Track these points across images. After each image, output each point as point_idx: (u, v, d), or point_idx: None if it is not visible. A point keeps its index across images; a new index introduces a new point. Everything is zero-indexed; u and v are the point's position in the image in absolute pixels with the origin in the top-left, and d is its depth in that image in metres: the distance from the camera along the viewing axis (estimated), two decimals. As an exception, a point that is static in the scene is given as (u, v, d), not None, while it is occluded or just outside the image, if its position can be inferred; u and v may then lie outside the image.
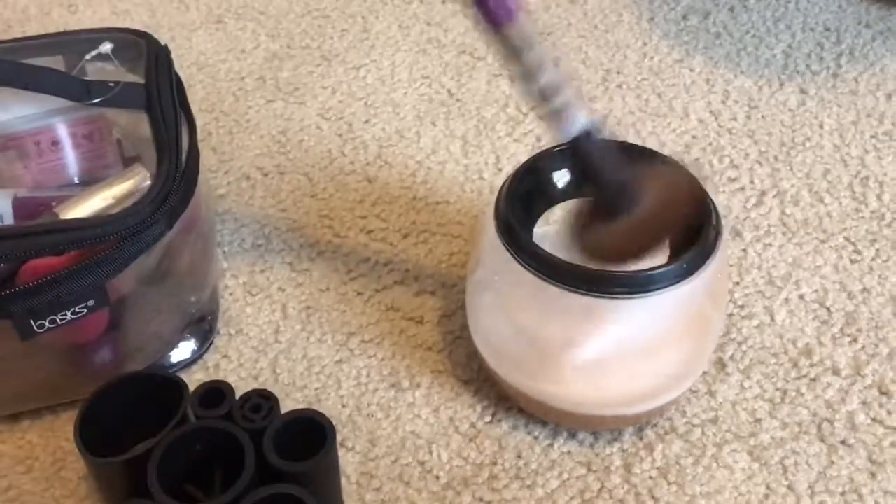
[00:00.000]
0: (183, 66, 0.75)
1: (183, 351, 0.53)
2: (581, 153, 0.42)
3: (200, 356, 0.53)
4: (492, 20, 0.39)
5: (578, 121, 0.41)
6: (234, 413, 0.42)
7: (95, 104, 0.50)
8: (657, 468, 0.48)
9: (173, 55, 0.55)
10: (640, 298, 0.42)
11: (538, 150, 0.50)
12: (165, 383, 0.44)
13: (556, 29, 0.79)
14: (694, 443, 0.49)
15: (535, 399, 0.48)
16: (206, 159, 0.66)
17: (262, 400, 0.42)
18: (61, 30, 0.76)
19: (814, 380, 0.52)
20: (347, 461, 0.48)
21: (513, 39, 0.39)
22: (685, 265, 0.42)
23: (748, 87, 0.73)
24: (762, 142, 0.68)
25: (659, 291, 0.42)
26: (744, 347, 0.54)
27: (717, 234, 0.44)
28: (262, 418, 0.41)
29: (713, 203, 0.45)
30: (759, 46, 0.77)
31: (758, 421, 0.50)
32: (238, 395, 0.43)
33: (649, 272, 0.42)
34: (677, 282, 0.42)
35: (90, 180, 0.52)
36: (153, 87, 0.51)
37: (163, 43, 0.55)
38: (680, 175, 0.45)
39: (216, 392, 0.43)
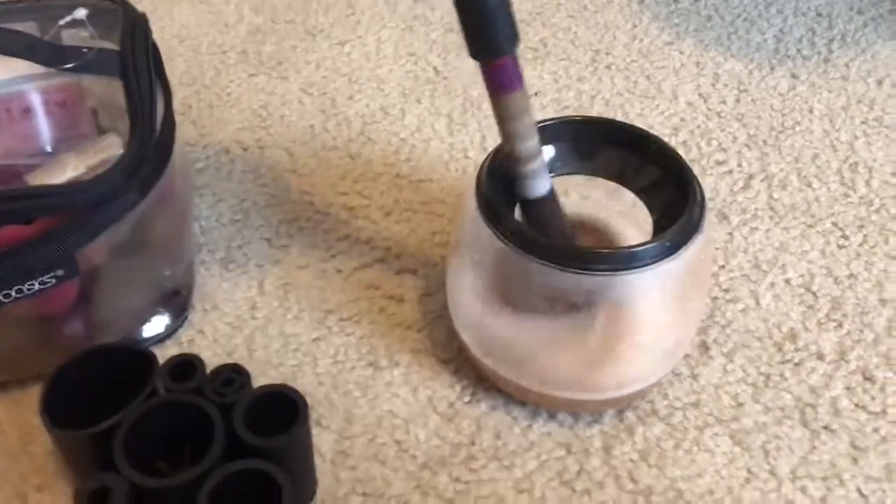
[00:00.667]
0: (164, 39, 0.73)
1: (156, 325, 0.51)
2: (538, 212, 0.45)
3: (174, 331, 0.52)
4: (501, 85, 0.40)
5: (544, 185, 0.44)
6: (204, 387, 0.41)
7: (68, 69, 0.49)
8: (638, 451, 0.47)
9: (154, 28, 0.53)
10: (623, 275, 0.41)
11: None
12: (135, 356, 0.43)
13: (546, 9, 0.78)
14: (675, 426, 0.48)
15: (514, 381, 0.47)
16: (186, 133, 0.65)
17: (234, 374, 0.41)
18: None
19: (798, 364, 0.52)
20: (323, 440, 0.47)
21: (514, 104, 0.41)
22: (668, 242, 0.41)
23: (738, 70, 0.72)
24: (751, 126, 0.67)
25: (641, 269, 0.41)
26: (728, 331, 0.53)
27: (702, 211, 0.43)
28: (233, 392, 0.40)
29: (697, 182, 0.44)
30: (750, 30, 0.76)
31: (740, 405, 0.50)
32: (211, 370, 0.42)
33: (632, 249, 0.41)
34: (660, 259, 0.41)
35: (63, 149, 0.51)
36: (128, 54, 0.49)
37: (143, 13, 0.53)
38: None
39: (186, 365, 0.41)
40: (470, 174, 0.63)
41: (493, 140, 0.65)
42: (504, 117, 0.41)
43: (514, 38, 0.39)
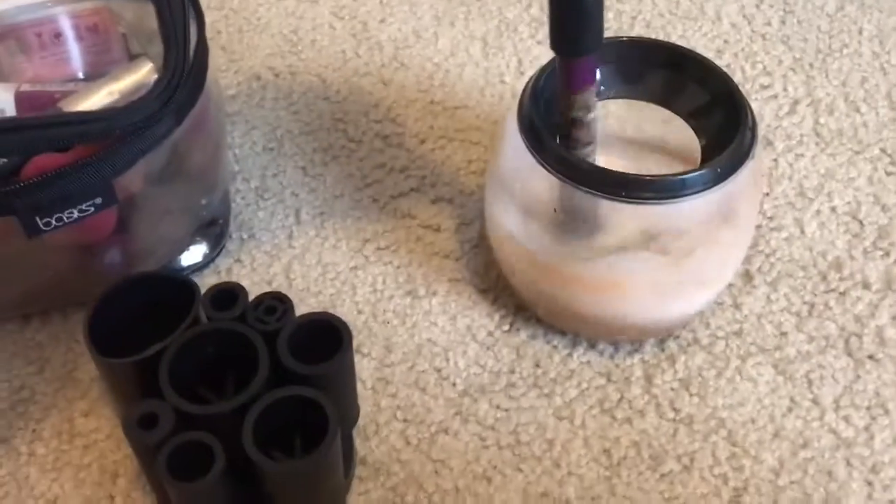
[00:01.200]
0: (190, -39, 0.71)
1: (194, 254, 0.51)
2: None
3: (212, 260, 0.52)
4: (578, 82, 0.40)
5: None
6: (247, 315, 0.40)
7: (99, -8, 0.48)
8: (679, 380, 0.47)
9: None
10: (670, 204, 0.40)
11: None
12: (177, 285, 0.42)
13: (583, -74, 0.75)
14: (717, 355, 0.48)
15: (556, 306, 0.47)
16: (215, 59, 0.64)
17: (277, 302, 0.41)
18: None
19: (843, 294, 0.51)
20: (363, 367, 0.47)
21: (583, 99, 0.41)
22: (718, 169, 0.40)
23: (784, -10, 0.69)
24: (797, 48, 0.65)
25: (690, 196, 0.40)
26: (772, 260, 0.52)
27: (753, 137, 0.42)
28: (276, 320, 0.40)
29: (748, 105, 0.43)
30: (796, -53, 0.73)
31: (783, 334, 0.49)
32: (251, 298, 0.42)
33: (681, 176, 0.40)
34: (709, 187, 0.40)
35: (95, 75, 0.50)
36: (159, -25, 0.48)
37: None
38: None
39: (229, 294, 0.41)
40: (507, 100, 0.61)
41: (530, 64, 0.64)
42: (571, 108, 0.41)
43: (600, 39, 0.39)
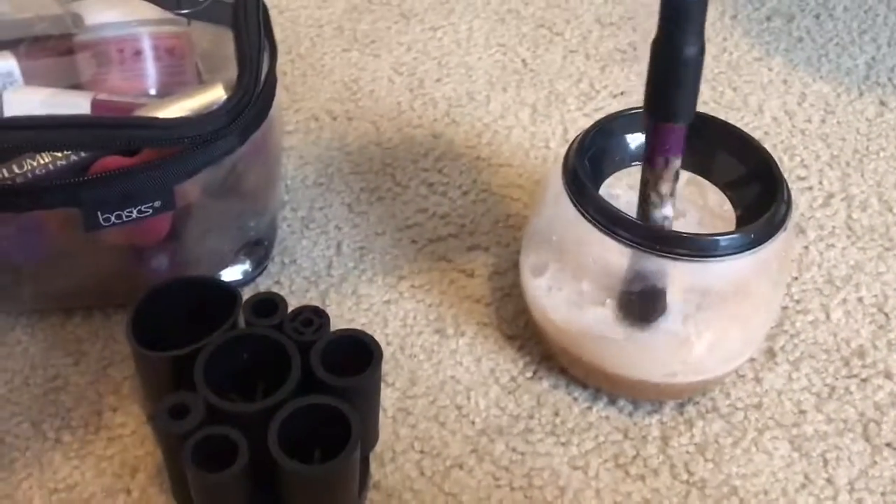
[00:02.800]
0: (264, 8, 0.75)
1: (236, 271, 0.53)
2: None
3: (253, 279, 0.54)
4: (666, 148, 0.42)
5: None
6: (284, 325, 0.42)
7: (183, 15, 0.51)
8: (695, 444, 0.48)
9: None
10: (703, 263, 0.42)
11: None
12: (220, 292, 0.44)
13: (638, 14, 0.78)
14: (735, 424, 0.49)
15: (581, 359, 0.47)
16: (279, 96, 0.67)
17: (314, 315, 0.42)
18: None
19: (864, 380, 0.51)
20: (386, 395, 0.48)
21: (664, 172, 0.42)
22: (752, 235, 0.42)
23: (826, 92, 0.72)
24: (835, 146, 0.67)
25: (723, 258, 0.41)
26: (795, 340, 0.53)
27: (788, 210, 0.43)
28: (312, 332, 0.42)
29: (784, 180, 0.45)
30: (841, 55, 0.76)
31: (802, 412, 0.49)
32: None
33: (716, 236, 0.41)
34: (742, 251, 0.42)
35: (166, 94, 0.53)
36: (241, 6, 0.51)
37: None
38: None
39: (269, 303, 0.43)
40: (550, 163, 0.64)
41: (575, 132, 0.66)
42: (654, 180, 0.42)
43: (693, 112, 0.41)
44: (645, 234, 0.42)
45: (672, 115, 0.41)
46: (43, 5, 0.55)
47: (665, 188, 0.43)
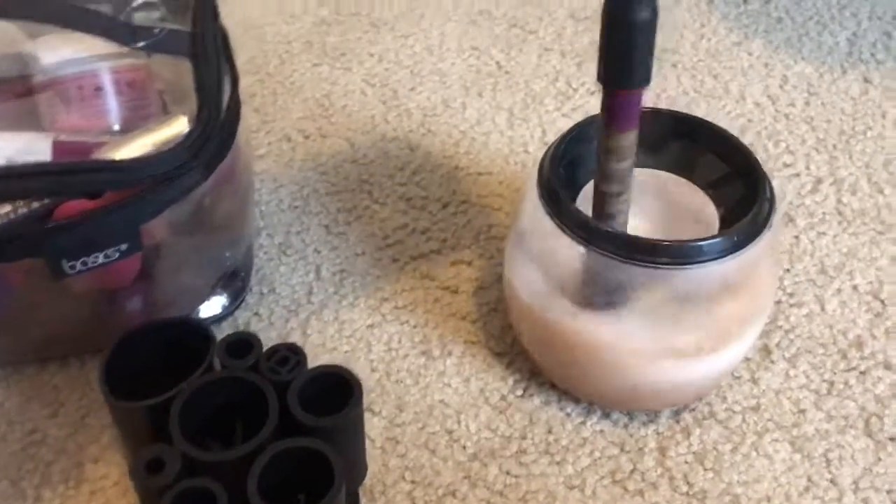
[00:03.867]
0: (230, 27, 0.73)
1: (214, 306, 0.52)
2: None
3: (231, 312, 0.52)
4: (623, 118, 0.40)
5: (621, 225, 0.44)
6: (260, 364, 0.41)
7: (140, 48, 0.50)
8: (693, 453, 0.46)
9: (221, 16, 0.54)
10: (687, 269, 0.40)
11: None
12: (193, 332, 0.43)
13: (611, 6, 0.77)
14: (733, 429, 0.47)
15: (569, 372, 0.46)
16: (249, 120, 0.66)
17: (290, 353, 0.41)
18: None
19: (864, 373, 0.50)
20: (373, 425, 0.47)
21: (621, 143, 0.41)
22: (735, 237, 0.40)
23: (808, 73, 0.70)
24: (820, 129, 0.65)
25: (706, 263, 0.40)
26: (791, 336, 0.52)
27: (771, 208, 0.42)
28: (288, 371, 0.40)
29: (767, 178, 0.43)
30: (821, 33, 0.74)
31: (802, 412, 0.48)
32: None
33: (697, 242, 0.40)
34: (726, 254, 0.40)
35: (131, 129, 0.52)
36: (198, 35, 0.50)
37: None
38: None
39: (243, 343, 0.42)
40: (529, 168, 0.62)
41: (554, 135, 0.65)
42: (611, 151, 0.41)
43: (648, 77, 0.39)
44: (625, 243, 0.40)
45: (629, 80, 0.39)
46: (1, 42, 0.54)
47: (622, 164, 0.41)
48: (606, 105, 0.40)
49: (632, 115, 0.40)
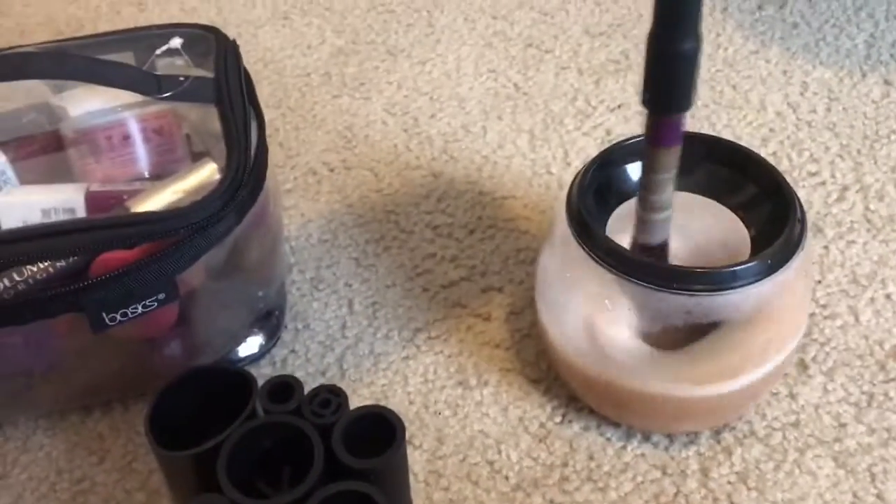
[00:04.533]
0: (249, 63, 0.74)
1: (251, 346, 0.53)
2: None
3: (268, 351, 0.53)
4: (666, 139, 0.41)
5: (662, 236, 0.44)
6: (302, 408, 0.41)
7: (166, 98, 0.50)
8: (736, 473, 0.46)
9: (241, 53, 0.55)
10: (721, 296, 0.40)
11: (609, 144, 0.49)
12: (234, 378, 0.44)
13: (626, 21, 0.77)
14: (774, 447, 0.47)
15: (608, 396, 0.46)
16: (273, 155, 0.66)
17: (331, 395, 0.41)
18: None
19: (903, 383, 0.50)
20: (415, 459, 0.47)
21: (669, 158, 0.41)
22: (769, 261, 0.40)
23: (828, 78, 0.70)
24: (843, 135, 0.65)
25: (741, 288, 0.40)
26: (827, 349, 0.52)
27: (803, 228, 0.42)
28: (331, 413, 0.41)
29: (797, 197, 0.43)
30: (839, 36, 0.74)
31: (843, 426, 0.48)
32: (306, 389, 0.43)
33: (732, 268, 0.40)
34: (760, 279, 0.40)
35: (160, 174, 0.53)
36: (223, 81, 0.50)
37: (234, 40, 0.55)
38: None
39: (285, 386, 0.42)
40: (553, 189, 0.63)
41: (576, 155, 0.65)
42: (654, 168, 0.42)
43: (691, 99, 0.40)
44: (659, 273, 0.41)
45: (676, 106, 0.40)
46: (29, 95, 0.55)
47: (666, 183, 0.42)
48: (651, 128, 0.41)
49: (675, 135, 0.41)
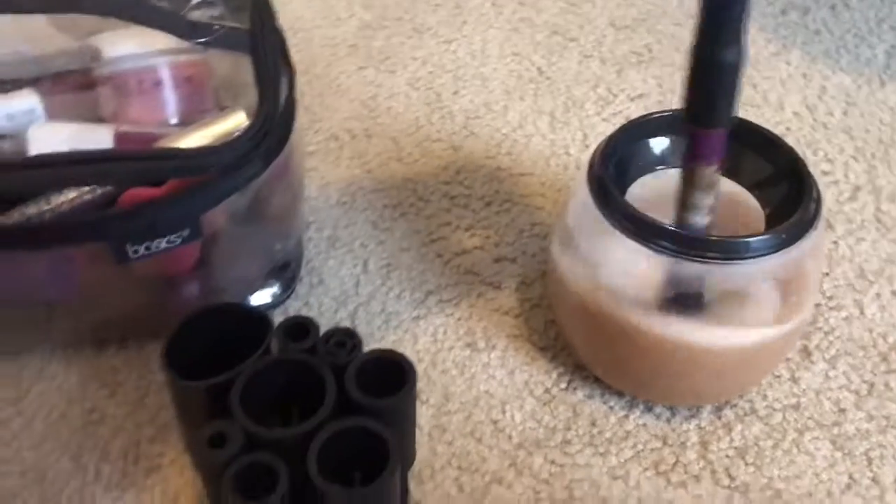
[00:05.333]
0: (278, 30, 0.76)
1: (265, 295, 0.53)
2: None
3: (282, 302, 0.54)
4: (706, 154, 0.41)
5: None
6: (318, 347, 0.42)
7: (200, 44, 0.51)
8: (735, 448, 0.47)
9: (274, 18, 0.56)
10: (733, 265, 0.41)
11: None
12: (252, 317, 0.44)
13: (652, 15, 0.78)
14: (774, 426, 0.48)
15: (613, 365, 0.47)
16: (299, 117, 0.67)
17: (346, 337, 0.42)
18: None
19: (904, 375, 0.50)
20: (421, 413, 0.48)
21: (709, 176, 0.41)
22: (783, 235, 0.41)
23: (846, 84, 0.71)
24: (859, 138, 0.66)
25: (753, 260, 0.41)
26: (830, 338, 0.52)
27: (818, 208, 0.43)
28: (345, 354, 0.42)
29: (813, 178, 0.44)
30: (859, 45, 0.75)
31: (842, 411, 0.49)
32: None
33: (746, 238, 0.41)
34: (773, 251, 0.41)
35: (186, 122, 0.53)
36: (258, 31, 0.51)
37: (267, -2, 0.56)
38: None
39: (301, 326, 0.43)
40: (571, 170, 0.64)
41: (595, 138, 0.66)
42: (694, 185, 0.42)
43: (731, 117, 0.40)
44: (675, 238, 0.41)
45: (713, 120, 0.40)
46: (62, 40, 0.56)
47: (706, 195, 0.42)
48: (690, 141, 0.41)
49: (716, 151, 0.41)
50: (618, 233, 0.43)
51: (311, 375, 0.41)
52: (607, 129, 0.66)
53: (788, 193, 0.45)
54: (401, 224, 0.59)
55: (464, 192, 0.62)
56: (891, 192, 0.62)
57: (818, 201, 0.43)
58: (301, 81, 0.70)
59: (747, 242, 0.41)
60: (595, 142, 0.66)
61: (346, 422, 0.39)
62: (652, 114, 0.48)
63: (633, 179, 0.48)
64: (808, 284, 0.46)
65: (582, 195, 0.45)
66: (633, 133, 0.47)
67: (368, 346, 0.51)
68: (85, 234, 0.44)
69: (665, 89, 0.70)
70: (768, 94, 0.70)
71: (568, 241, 0.48)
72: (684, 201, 0.43)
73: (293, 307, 0.54)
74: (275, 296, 0.54)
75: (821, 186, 0.61)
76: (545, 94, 0.70)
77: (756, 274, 0.42)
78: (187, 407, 0.44)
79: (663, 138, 0.47)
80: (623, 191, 0.47)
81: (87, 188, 0.46)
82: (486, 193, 0.62)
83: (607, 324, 0.45)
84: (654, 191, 0.47)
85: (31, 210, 0.45)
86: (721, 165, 0.42)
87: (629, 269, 0.44)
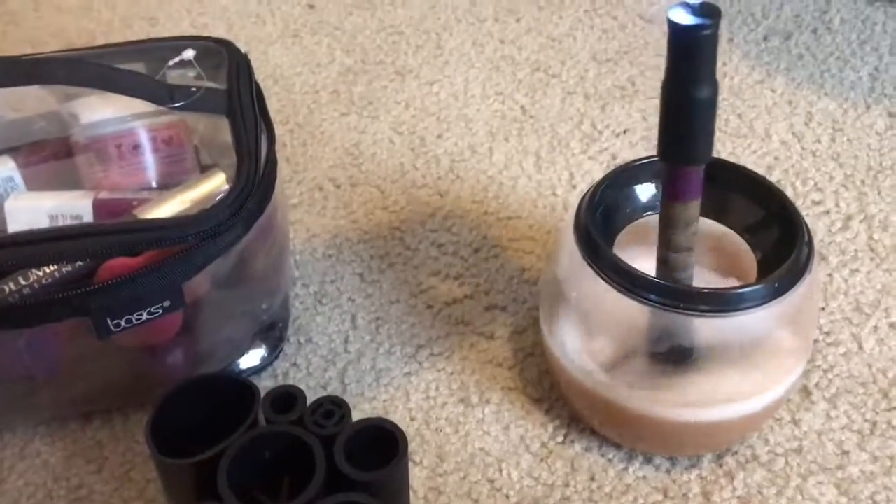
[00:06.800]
0: (258, 79, 0.75)
1: (252, 357, 0.52)
2: None
3: (270, 363, 0.53)
4: (683, 192, 0.40)
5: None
6: (305, 419, 0.41)
7: (178, 108, 0.51)
8: (738, 497, 0.46)
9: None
10: (727, 318, 0.40)
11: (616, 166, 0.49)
12: (237, 387, 0.43)
13: (633, 48, 0.78)
14: (777, 472, 0.47)
15: (611, 417, 0.46)
16: (280, 170, 0.66)
17: (334, 406, 0.41)
18: (143, 42, 0.78)
19: (906, 412, 0.50)
20: (415, 475, 0.47)
21: (688, 212, 0.41)
22: (776, 284, 0.40)
23: (832, 109, 0.71)
24: (847, 165, 0.66)
25: (747, 311, 0.40)
26: (830, 375, 0.52)
27: (810, 252, 0.42)
28: (333, 424, 0.41)
29: (804, 221, 0.44)
30: (843, 69, 0.75)
31: (845, 453, 0.48)
32: (308, 402, 0.43)
33: (739, 290, 0.40)
34: (766, 301, 0.40)
35: (168, 184, 0.53)
36: (235, 93, 0.51)
37: (246, 53, 0.55)
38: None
39: (288, 397, 0.42)
40: (559, 211, 0.63)
41: (582, 178, 0.65)
42: (673, 223, 0.41)
43: (710, 151, 0.39)
44: (665, 292, 0.41)
45: (690, 158, 0.39)
46: (40, 103, 0.55)
47: (685, 233, 0.41)
48: (668, 179, 0.40)
49: (694, 188, 0.40)
50: (606, 285, 0.42)
51: (300, 447, 0.40)
52: (593, 167, 0.66)
53: (780, 237, 0.44)
54: (388, 275, 0.59)
55: (451, 238, 0.61)
56: (882, 220, 0.61)
57: (810, 246, 0.42)
58: (283, 131, 0.70)
59: (739, 294, 0.40)
60: (581, 181, 0.65)
61: (336, 498, 0.38)
62: (635, 161, 0.47)
63: (621, 228, 0.47)
64: (806, 327, 0.45)
65: (568, 244, 0.44)
66: (619, 181, 0.47)
67: (359, 405, 0.51)
68: (65, 310, 0.43)
69: (650, 123, 0.70)
70: (754, 124, 0.69)
71: (556, 292, 0.47)
72: (665, 241, 0.42)
73: (281, 368, 0.53)
74: (263, 358, 0.53)
75: (812, 217, 0.61)
76: (530, 133, 0.69)
77: (751, 325, 0.41)
78: (175, 483, 0.43)
79: (648, 185, 0.47)
80: (610, 241, 0.46)
81: (65, 262, 0.45)
82: (475, 239, 0.61)
83: (597, 399, 0.44)
84: (641, 240, 0.46)
85: (9, 286, 0.45)
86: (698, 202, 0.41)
87: (618, 321, 0.43)
